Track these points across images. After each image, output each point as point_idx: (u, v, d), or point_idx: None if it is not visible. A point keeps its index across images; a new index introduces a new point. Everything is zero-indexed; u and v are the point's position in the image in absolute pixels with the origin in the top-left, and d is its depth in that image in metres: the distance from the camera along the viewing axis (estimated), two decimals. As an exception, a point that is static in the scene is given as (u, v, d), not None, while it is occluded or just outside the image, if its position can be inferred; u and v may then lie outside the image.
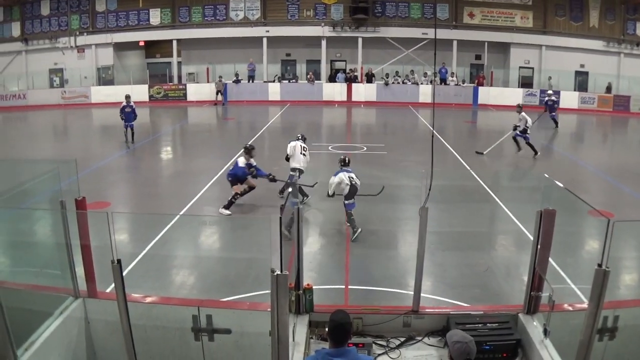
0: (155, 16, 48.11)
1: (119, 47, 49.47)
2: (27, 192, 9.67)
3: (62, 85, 50.45)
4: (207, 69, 48.13)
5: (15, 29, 52.06)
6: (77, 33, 49.82)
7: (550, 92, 38.01)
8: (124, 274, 6.24)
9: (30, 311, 7.75)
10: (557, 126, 34.44)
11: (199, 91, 47.22)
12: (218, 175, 21.49)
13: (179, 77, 49.09)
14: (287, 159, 18.94)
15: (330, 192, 15.45)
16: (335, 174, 15.46)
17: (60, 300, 8.02)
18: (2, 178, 19.09)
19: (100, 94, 47.56)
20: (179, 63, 49.15)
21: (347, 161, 16.05)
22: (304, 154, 18.83)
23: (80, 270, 8.16)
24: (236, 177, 17.81)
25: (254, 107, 42.29)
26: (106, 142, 29.84)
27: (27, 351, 6.96)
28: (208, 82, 47.59)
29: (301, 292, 7.11)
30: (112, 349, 7.55)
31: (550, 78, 46.70)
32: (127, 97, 29.30)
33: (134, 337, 6.27)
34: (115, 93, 45.86)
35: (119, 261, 6.11)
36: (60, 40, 50.28)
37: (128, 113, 28.55)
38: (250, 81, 47.10)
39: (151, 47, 50.22)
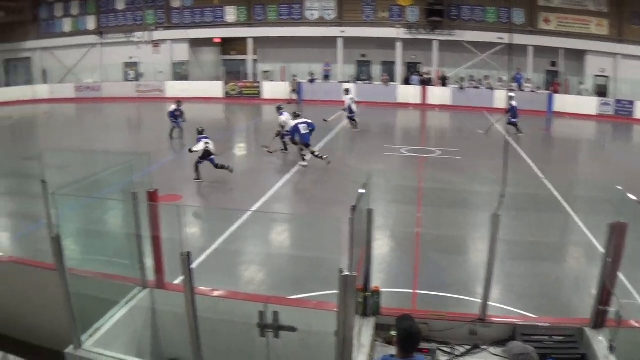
0: (230, 13, 48.42)
1: (195, 43, 49.96)
2: (100, 183, 9.84)
3: (136, 79, 51.40)
4: (282, 67, 48.24)
5: (91, 23, 53.24)
6: (153, 28, 50.58)
7: (512, 94, 36.43)
8: (192, 267, 6.29)
9: (97, 299, 7.87)
10: (518, 132, 31.93)
11: (274, 89, 47.17)
12: (291, 174, 21.56)
13: (254, 75, 49.26)
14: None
15: (196, 149, 21.14)
16: (198, 141, 21.37)
17: (128, 290, 8.14)
18: (77, 168, 19.57)
19: (175, 89, 47.98)
20: (255, 61, 49.32)
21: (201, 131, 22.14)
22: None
23: (149, 261, 8.26)
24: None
25: (328, 107, 41.81)
26: (180, 137, 30.07)
27: (92, 337, 7.07)
28: (283, 80, 47.63)
29: (369, 294, 7.09)
30: (178, 340, 7.62)
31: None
32: (179, 102, 30.48)
33: (200, 330, 6.32)
34: (190, 88, 46.45)
35: (188, 254, 6.16)
36: (136, 34, 51.11)
37: (177, 117, 29.70)
38: (325, 81, 47.10)
39: (227, 44, 50.51)
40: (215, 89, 47.50)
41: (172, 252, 7.50)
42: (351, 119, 32.63)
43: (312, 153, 23.42)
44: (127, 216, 8.26)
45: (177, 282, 8.19)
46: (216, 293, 8.29)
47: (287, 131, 24.51)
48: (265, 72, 49.01)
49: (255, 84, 47.94)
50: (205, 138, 21.45)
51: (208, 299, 7.87)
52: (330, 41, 46.24)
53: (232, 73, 49.30)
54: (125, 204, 8.32)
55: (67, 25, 54.37)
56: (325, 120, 32.30)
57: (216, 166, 21.40)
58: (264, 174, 22.27)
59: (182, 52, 50.41)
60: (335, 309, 5.53)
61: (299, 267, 13.63)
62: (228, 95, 47.31)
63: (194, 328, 6.31)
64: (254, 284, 12.52)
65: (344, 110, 32.88)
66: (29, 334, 10.82)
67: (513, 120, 31.75)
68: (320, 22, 46.74)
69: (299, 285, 12.03)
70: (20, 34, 55.08)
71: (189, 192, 20.59)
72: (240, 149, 28.96)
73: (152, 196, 8.08)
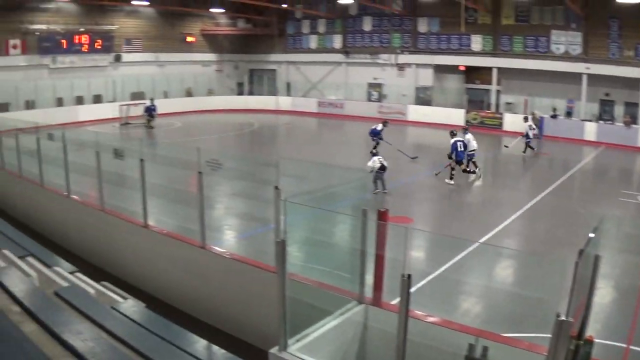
0: (476, 42, 47.82)
1: (439, 69, 49.79)
2: (333, 195, 10.08)
3: (379, 99, 52.25)
4: (525, 100, 47.10)
5: (337, 41, 55.02)
6: (399, 51, 51.12)
7: None
8: (411, 290, 6.31)
9: (311, 306, 8.07)
10: None
11: (516, 122, 44.21)
12: (523, 210, 21.16)
13: (497, 106, 48.43)
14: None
15: (370, 169, 23.09)
16: (373, 158, 23.66)
17: (343, 302, 8.28)
18: (312, 179, 20.15)
19: (417, 112, 48.50)
20: (498, 91, 48.44)
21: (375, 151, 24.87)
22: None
23: (369, 278, 8.35)
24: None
25: (568, 144, 40.64)
26: (417, 160, 30.16)
27: (298, 342, 7.28)
28: (525, 113, 46.15)
29: (582, 342, 6.82)
30: (383, 358, 7.67)
31: None
32: (385, 122, 31.95)
33: (407, 352, 6.33)
34: (431, 114, 46.58)
35: (409, 276, 6.20)
36: (381, 56, 52.01)
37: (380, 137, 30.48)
38: (568, 118, 45.55)
39: (471, 73, 49.80)
40: (457, 116, 46.74)
41: (393, 272, 7.56)
42: (527, 144, 34.62)
43: (464, 170, 25.87)
44: (354, 231, 8.41)
45: (394, 302, 8.23)
46: (430, 319, 8.27)
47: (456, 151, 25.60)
48: (508, 103, 48.04)
49: (498, 115, 46.81)
50: (379, 157, 23.67)
51: (421, 324, 7.87)
52: (574, 77, 44.44)
53: (475, 102, 48.65)
54: (354, 220, 8.47)
55: (313, 42, 56.71)
56: (507, 147, 35.93)
57: (375, 179, 23.26)
58: (497, 207, 22.02)
59: (426, 77, 50.44)
60: (545, 353, 5.40)
61: (516, 305, 13.30)
62: (469, 124, 46.16)
63: (401, 349, 6.33)
64: (470, 316, 12.38)
65: (523, 136, 35.01)
66: (235, 328, 11.28)
67: None
68: (565, 57, 45.26)
69: (513, 324, 11.74)
70: (266, 46, 58.58)
71: (420, 215, 20.77)
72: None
73: (382, 215, 8.20)
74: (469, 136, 27.34)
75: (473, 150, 27.21)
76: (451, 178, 25.03)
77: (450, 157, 25.47)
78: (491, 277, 15.27)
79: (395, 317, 6.50)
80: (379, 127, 30.89)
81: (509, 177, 29.53)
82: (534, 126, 35.07)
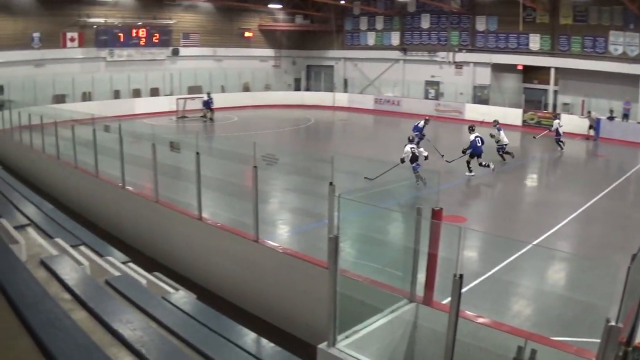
0: (534, 42, 47.24)
1: (497, 68, 49.36)
2: (387, 193, 10.07)
3: (437, 98, 52.06)
4: (582, 101, 46.44)
5: (395, 38, 54.99)
6: (456, 49, 50.86)
7: None
8: (463, 290, 6.30)
9: (362, 303, 8.09)
10: None
11: (571, 123, 43.52)
12: (577, 213, 20.88)
13: (554, 106, 47.81)
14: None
15: (404, 155, 23.29)
16: (406, 147, 23.65)
17: (394, 300, 8.27)
18: (368, 176, 20.01)
19: (474, 111, 47.58)
20: (555, 92, 47.91)
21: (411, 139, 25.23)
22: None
23: (421, 277, 8.34)
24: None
25: (625, 147, 39.87)
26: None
27: (348, 338, 7.29)
28: (582, 114, 45.54)
29: (630, 349, 6.74)
30: (431, 357, 7.66)
31: None
32: (427, 120, 32.21)
33: (455, 352, 6.32)
34: (489, 112, 45.69)
35: (461, 276, 6.19)
36: (439, 54, 51.78)
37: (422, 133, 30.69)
38: (625, 120, 44.83)
39: (528, 72, 49.18)
40: (514, 116, 46.35)
41: (445, 271, 7.54)
42: (557, 141, 35.46)
43: (480, 164, 26.41)
44: (408, 229, 8.39)
45: (445, 302, 8.21)
46: (480, 320, 8.24)
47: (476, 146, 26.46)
48: (565, 104, 47.40)
49: (554, 115, 46.21)
50: (412, 146, 23.91)
51: (471, 324, 7.83)
52: (632, 78, 43.54)
53: (532, 102, 47.90)
54: (407, 218, 8.47)
55: (371, 38, 56.85)
56: (535, 137, 38.17)
57: (415, 172, 23.06)
58: (551, 208, 21.65)
59: (484, 76, 50.17)
60: (593, 359, 5.36)
61: (567, 308, 13.14)
62: (525, 124, 46.10)
63: (449, 350, 6.33)
64: (520, 318, 12.27)
65: (551, 131, 36.72)
66: (284, 322, 11.34)
67: None
68: (623, 58, 44.44)
69: (563, 327, 11.64)
70: (324, 42, 59.03)
71: (474, 215, 20.63)
72: (531, 180, 28.52)
73: (436, 214, 8.17)
74: (502, 133, 29.42)
75: (505, 144, 29.38)
76: (487, 166, 26.41)
77: (464, 152, 26.58)
78: (543, 279, 15.11)
79: (445, 316, 6.49)
80: (421, 123, 31.18)
81: (564, 179, 29.19)
82: (562, 124, 36.23)
